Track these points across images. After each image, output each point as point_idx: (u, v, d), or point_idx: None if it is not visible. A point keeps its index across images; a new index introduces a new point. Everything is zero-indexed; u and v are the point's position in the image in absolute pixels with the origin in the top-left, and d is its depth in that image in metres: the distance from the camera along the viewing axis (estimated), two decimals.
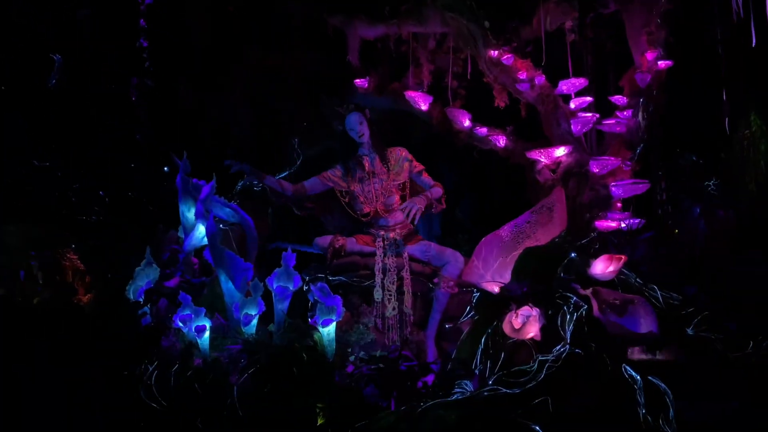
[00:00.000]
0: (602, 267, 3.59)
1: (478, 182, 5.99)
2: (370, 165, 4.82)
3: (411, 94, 5.49)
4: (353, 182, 4.80)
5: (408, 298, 4.64)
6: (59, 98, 5.29)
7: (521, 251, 4.01)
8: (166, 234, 4.45)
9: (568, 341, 3.21)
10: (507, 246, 4.27)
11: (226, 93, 5.53)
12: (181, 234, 4.47)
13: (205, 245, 4.21)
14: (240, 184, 5.36)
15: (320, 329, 3.62)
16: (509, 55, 5.11)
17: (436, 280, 4.72)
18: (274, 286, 3.75)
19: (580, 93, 5.12)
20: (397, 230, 4.80)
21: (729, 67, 5.18)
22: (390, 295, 4.62)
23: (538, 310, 3.34)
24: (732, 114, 5.32)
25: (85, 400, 3.43)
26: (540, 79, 5.12)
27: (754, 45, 4.48)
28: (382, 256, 4.68)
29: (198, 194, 4.25)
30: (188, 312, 3.67)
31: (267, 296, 3.81)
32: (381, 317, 4.53)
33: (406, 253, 4.72)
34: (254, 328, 3.68)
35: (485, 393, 2.96)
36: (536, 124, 5.36)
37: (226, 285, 3.78)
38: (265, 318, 3.85)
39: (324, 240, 4.73)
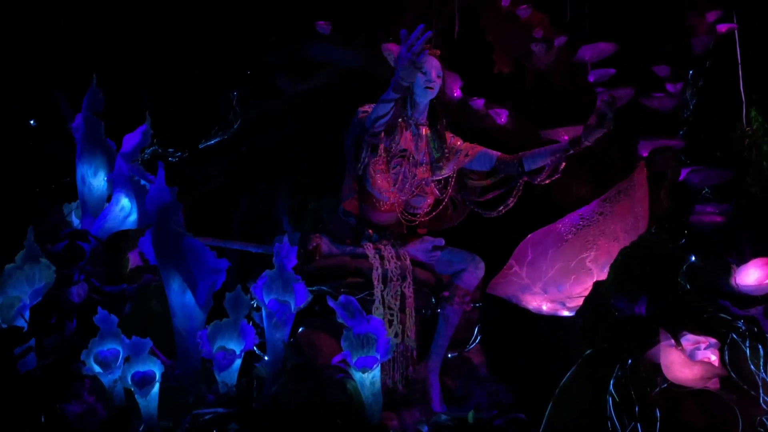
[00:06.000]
0: (759, 275, 2.48)
1: None
2: (411, 139, 3.32)
3: (389, 47, 4.14)
4: (383, 153, 3.21)
5: (411, 323, 3.26)
6: None
7: (614, 253, 2.81)
8: (46, 213, 2.70)
9: None
10: (571, 246, 3.08)
11: (137, 26, 3.81)
12: (72, 217, 2.74)
13: (125, 230, 2.54)
14: (149, 150, 3.67)
15: (354, 374, 2.14)
16: (526, 6, 3.99)
17: (446, 294, 3.38)
18: (266, 300, 2.22)
19: (595, 65, 4.12)
20: (392, 227, 3.41)
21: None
22: (392, 315, 3.22)
23: (715, 341, 2.13)
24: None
25: None
26: (560, 40, 4.05)
27: None
28: (379, 259, 3.25)
29: (111, 148, 2.57)
30: (113, 346, 2.03)
31: None
32: None
33: (407, 258, 3.33)
34: (236, 375, 2.12)
35: None
36: (541, 99, 4.30)
37: (181, 297, 2.18)
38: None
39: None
